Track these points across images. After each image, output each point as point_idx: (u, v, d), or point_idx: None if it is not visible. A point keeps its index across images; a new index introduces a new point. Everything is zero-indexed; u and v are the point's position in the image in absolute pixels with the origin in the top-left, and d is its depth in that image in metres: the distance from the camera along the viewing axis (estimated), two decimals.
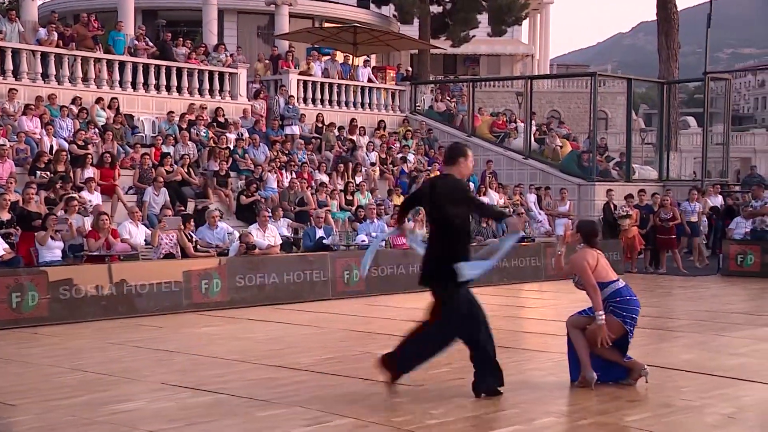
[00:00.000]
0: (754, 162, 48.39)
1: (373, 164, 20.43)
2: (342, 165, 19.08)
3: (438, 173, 6.69)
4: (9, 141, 15.39)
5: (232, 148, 18.35)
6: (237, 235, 13.53)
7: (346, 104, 23.36)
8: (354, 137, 21.36)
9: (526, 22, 47.38)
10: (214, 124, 19.24)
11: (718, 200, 19.79)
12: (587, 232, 6.98)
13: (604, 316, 6.63)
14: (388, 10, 37.06)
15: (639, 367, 6.85)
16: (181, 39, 21.45)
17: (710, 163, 25.89)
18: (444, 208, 6.19)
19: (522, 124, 23.74)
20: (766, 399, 6.51)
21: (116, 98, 18.19)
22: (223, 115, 19.73)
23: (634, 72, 35.88)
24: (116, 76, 18.90)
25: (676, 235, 17.45)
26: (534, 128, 23.62)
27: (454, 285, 6.19)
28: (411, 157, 21.54)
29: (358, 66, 24.60)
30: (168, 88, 19.64)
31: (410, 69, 28.69)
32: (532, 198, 20.08)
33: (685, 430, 5.60)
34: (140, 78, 19.19)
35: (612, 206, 18.57)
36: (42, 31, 18.47)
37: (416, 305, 12.31)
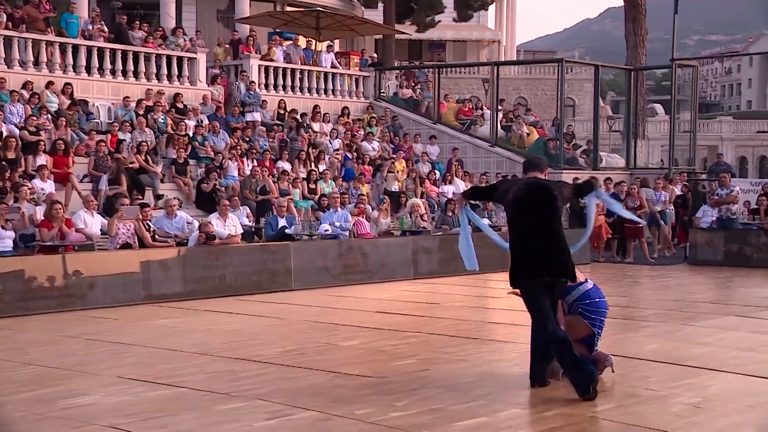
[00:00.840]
0: (720, 150, 49.11)
1: (336, 151, 20.40)
2: (303, 153, 19.01)
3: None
4: None
5: (191, 135, 18.20)
6: (196, 224, 13.44)
7: (309, 90, 23.27)
8: (316, 124, 21.30)
9: (492, 8, 47.53)
10: (173, 110, 19.06)
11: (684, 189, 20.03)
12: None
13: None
14: None
15: (604, 358, 6.92)
16: (138, 22, 21.17)
17: (677, 151, 26.16)
18: (557, 204, 6.50)
19: (488, 111, 23.82)
20: (732, 388, 6.62)
21: (70, 83, 17.94)
22: (182, 101, 19.55)
23: (602, 58, 36.19)
24: (69, 59, 18.63)
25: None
26: (500, 115, 23.71)
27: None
28: (375, 144, 21.53)
29: (321, 51, 24.52)
30: (124, 73, 19.40)
31: (374, 55, 28.64)
32: None
33: (650, 421, 5.67)
34: (95, 62, 18.93)
35: None
36: None
37: (380, 296, 12.36)
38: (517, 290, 6.74)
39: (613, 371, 6.90)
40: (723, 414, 5.86)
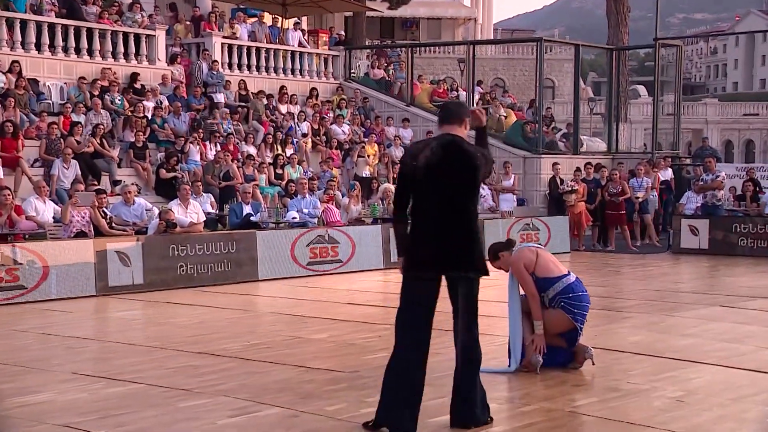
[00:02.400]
0: (705, 133, 49.64)
1: (305, 135, 20.33)
2: (270, 137, 18.91)
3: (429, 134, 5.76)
4: None
5: (150, 117, 18.06)
6: (156, 211, 13.35)
7: (275, 70, 23.16)
8: (283, 106, 21.21)
9: None
10: (130, 90, 18.88)
11: (668, 174, 20.23)
12: (494, 249, 7.10)
13: (542, 326, 6.80)
14: None
15: (583, 350, 6.99)
16: None
17: (661, 135, 26.43)
18: (477, 175, 5.34)
19: (464, 93, 23.86)
20: (715, 381, 6.71)
21: (17, 61, 17.68)
22: (140, 81, 19.37)
23: (583, 38, 36.35)
24: (17, 36, 18.36)
25: (625, 210, 17.78)
26: (477, 97, 23.76)
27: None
28: (346, 127, 21.49)
29: (287, 29, 24.38)
30: (77, 51, 19.17)
31: (344, 33, 28.54)
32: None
33: (632, 415, 5.74)
34: (45, 39, 18.68)
35: (558, 180, 18.85)
36: None
37: (351, 286, 12.38)
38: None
39: (593, 363, 6.97)
40: (705, 408, 5.94)
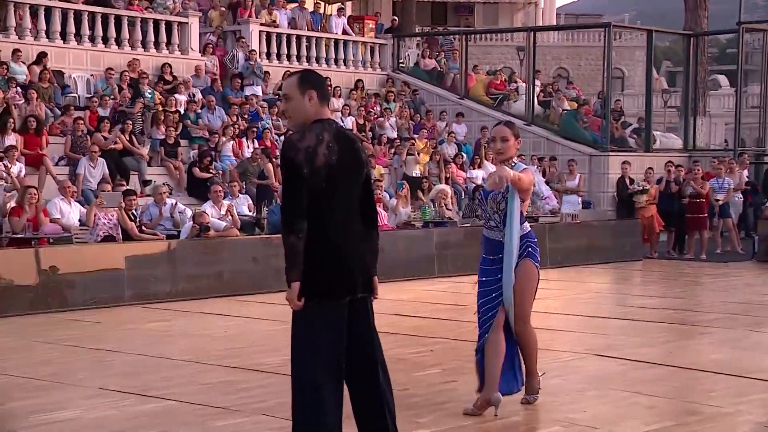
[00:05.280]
0: None
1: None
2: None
3: (324, 120, 4.82)
4: None
5: (182, 111, 18.25)
6: (189, 213, 13.49)
7: (317, 60, 23.26)
8: None
9: None
10: (161, 83, 19.10)
11: (752, 174, 19.93)
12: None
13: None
14: None
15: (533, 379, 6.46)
16: None
17: (744, 130, 25.99)
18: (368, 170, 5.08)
19: (524, 85, 23.75)
20: None
21: (43, 51, 17.99)
22: (171, 73, 19.59)
23: (656, 22, 35.92)
24: (42, 25, 18.68)
25: (707, 213, 17.52)
26: (538, 89, 23.63)
27: None
28: (393, 122, 21.51)
29: (330, 15, 24.49)
30: (105, 40, 19.45)
31: (394, 18, 28.55)
32: (535, 170, 20.15)
33: None
34: (71, 28, 18.97)
35: (628, 180, 18.67)
36: None
37: (399, 296, 12.37)
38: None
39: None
40: None
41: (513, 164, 6.19)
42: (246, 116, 19.24)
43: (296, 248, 4.68)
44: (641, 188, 17.59)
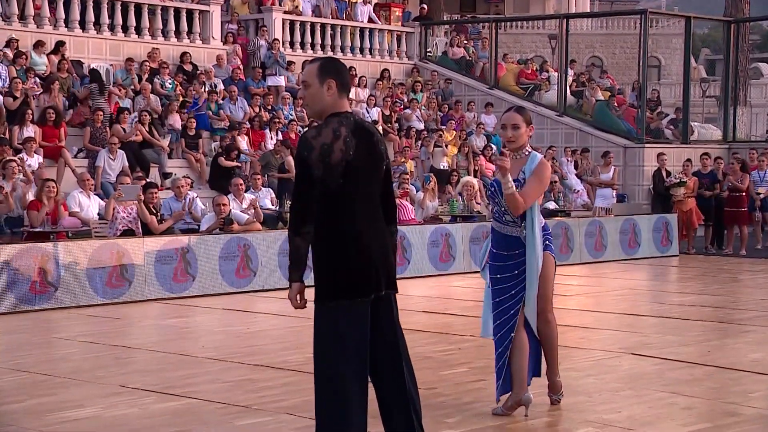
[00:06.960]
0: None
1: (375, 122, 20.39)
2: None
3: (344, 113, 4.85)
4: None
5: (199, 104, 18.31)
6: (201, 208, 13.56)
7: (342, 50, 23.26)
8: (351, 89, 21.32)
9: None
10: (180, 73, 19.17)
11: None
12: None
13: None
14: None
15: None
16: None
17: None
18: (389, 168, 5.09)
19: (556, 74, 23.65)
20: None
21: (62, 41, 18.11)
22: (191, 62, 19.66)
23: (695, 8, 35.66)
24: (61, 14, 18.80)
25: (747, 207, 17.39)
26: (570, 79, 23.53)
27: None
28: (421, 113, 21.48)
29: (356, 3, 24.49)
30: (124, 29, 19.55)
31: (424, 6, 28.50)
32: (566, 163, 20.07)
33: None
34: (90, 16, 19.08)
35: (664, 173, 18.54)
36: None
37: (427, 293, 12.37)
38: None
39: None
40: None
41: (526, 153, 6.18)
42: (268, 107, 19.28)
43: (301, 249, 4.79)
44: (678, 180, 17.48)
